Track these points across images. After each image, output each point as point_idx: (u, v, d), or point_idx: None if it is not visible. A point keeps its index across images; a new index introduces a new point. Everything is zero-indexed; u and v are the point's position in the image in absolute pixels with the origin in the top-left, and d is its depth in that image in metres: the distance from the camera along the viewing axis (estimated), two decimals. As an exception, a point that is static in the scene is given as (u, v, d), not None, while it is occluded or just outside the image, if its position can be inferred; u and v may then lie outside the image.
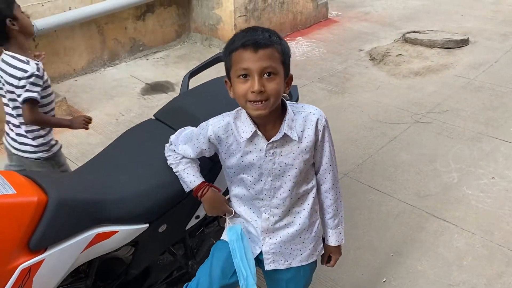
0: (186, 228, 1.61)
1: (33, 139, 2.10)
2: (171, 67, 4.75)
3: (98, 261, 1.43)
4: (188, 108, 1.70)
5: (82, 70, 4.45)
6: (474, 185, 2.97)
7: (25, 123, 2.05)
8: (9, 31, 1.91)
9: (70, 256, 1.23)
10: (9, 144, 2.15)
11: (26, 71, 1.94)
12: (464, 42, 5.23)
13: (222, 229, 1.60)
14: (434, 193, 2.90)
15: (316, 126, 1.39)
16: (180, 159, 1.51)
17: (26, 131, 2.09)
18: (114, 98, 4.09)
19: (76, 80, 4.38)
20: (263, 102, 1.27)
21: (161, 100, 4.05)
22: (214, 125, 1.42)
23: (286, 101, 1.40)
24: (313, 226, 1.51)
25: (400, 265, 2.39)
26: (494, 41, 5.37)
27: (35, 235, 1.16)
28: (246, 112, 1.36)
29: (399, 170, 3.12)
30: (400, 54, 4.97)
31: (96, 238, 1.29)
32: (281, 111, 1.38)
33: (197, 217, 1.61)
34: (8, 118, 2.14)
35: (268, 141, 1.36)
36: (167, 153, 1.55)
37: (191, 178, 1.48)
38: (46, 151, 2.16)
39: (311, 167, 1.47)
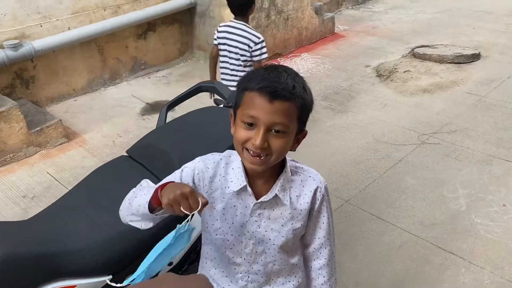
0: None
1: None
2: (172, 85, 4.67)
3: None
4: (161, 145, 1.58)
5: (81, 90, 4.40)
6: (483, 213, 2.79)
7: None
8: (248, 11, 2.92)
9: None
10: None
11: (259, 38, 2.89)
12: (475, 57, 5.05)
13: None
14: (440, 222, 2.73)
15: (314, 194, 1.21)
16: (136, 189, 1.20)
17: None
18: (112, 119, 4.01)
19: (75, 100, 4.33)
20: (263, 157, 1.09)
21: (160, 120, 3.96)
22: (201, 162, 1.22)
23: (287, 157, 1.21)
24: None
25: (401, 304, 2.23)
26: (507, 56, 5.18)
27: (-26, 298, 1.05)
28: (241, 160, 1.18)
29: (404, 196, 2.95)
30: (408, 70, 4.81)
31: (50, 295, 1.18)
32: (279, 167, 1.19)
33: (170, 263, 1.48)
34: (227, 67, 3.00)
35: (257, 199, 1.18)
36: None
37: (145, 193, 1.14)
38: None
39: (301, 239, 1.28)
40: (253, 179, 1.19)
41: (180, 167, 1.45)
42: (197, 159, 1.25)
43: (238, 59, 2.95)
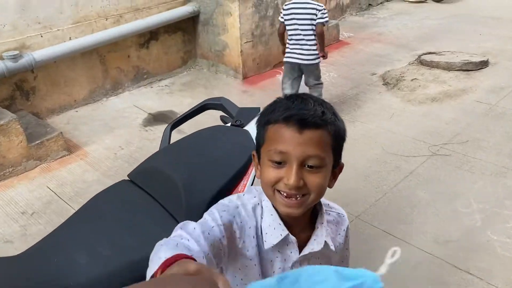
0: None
1: (315, 50, 3.63)
2: (175, 95, 4.59)
3: None
4: (165, 169, 1.48)
5: (83, 101, 4.31)
6: (500, 229, 2.68)
7: (319, 35, 3.60)
8: None
9: None
10: (300, 58, 3.63)
11: (322, 5, 3.58)
12: (483, 64, 4.95)
13: None
14: (455, 239, 2.62)
15: (346, 232, 1.11)
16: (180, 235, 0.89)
17: (314, 45, 3.63)
18: (114, 130, 3.93)
19: (76, 111, 4.24)
20: (299, 197, 0.94)
21: (162, 132, 3.86)
22: (242, 208, 1.01)
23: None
24: None
25: (417, 328, 2.12)
26: (516, 62, 5.08)
27: None
28: (272, 205, 1.01)
29: (416, 211, 2.85)
30: (416, 78, 4.72)
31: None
32: (312, 208, 1.04)
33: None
34: (299, 41, 3.61)
35: (299, 249, 1.01)
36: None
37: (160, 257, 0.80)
38: (319, 57, 3.70)
39: None
40: (290, 225, 1.01)
41: (185, 193, 1.35)
42: (235, 201, 1.02)
43: (307, 25, 3.56)
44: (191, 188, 1.36)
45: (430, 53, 5.30)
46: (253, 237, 1.01)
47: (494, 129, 3.75)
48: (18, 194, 3.11)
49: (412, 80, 4.69)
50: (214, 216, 0.96)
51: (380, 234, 2.67)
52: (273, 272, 1.03)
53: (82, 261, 1.23)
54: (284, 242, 1.01)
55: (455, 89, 4.49)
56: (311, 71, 3.73)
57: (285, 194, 0.94)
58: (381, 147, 3.55)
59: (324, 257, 1.06)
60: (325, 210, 1.09)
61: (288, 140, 0.92)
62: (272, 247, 1.00)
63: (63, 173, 3.34)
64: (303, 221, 1.02)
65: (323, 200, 1.11)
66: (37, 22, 3.79)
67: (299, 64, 3.66)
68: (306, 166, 0.93)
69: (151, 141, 3.75)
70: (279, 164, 0.94)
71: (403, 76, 4.77)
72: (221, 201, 1.03)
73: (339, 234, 1.10)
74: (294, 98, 0.97)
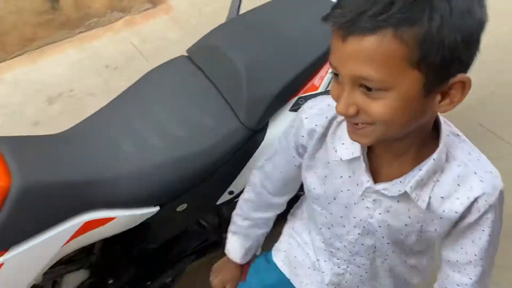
0: (217, 203, 1.26)
1: None
2: None
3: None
4: (227, 50, 1.20)
5: None
6: None
7: None
8: None
9: (43, 255, 0.97)
10: None
11: None
12: None
13: None
14: None
15: (474, 203, 0.75)
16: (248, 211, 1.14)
17: None
18: (200, -19, 3.60)
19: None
20: (361, 125, 0.69)
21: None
22: (310, 118, 0.88)
23: (447, 127, 0.77)
24: None
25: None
26: None
27: (-12, 234, 0.89)
28: None
29: None
30: None
31: (84, 227, 1.01)
32: (430, 137, 0.76)
33: (231, 192, 1.23)
34: None
35: (375, 182, 0.80)
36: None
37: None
38: None
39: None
40: (374, 151, 0.80)
41: (247, 83, 1.14)
42: (303, 111, 0.90)
43: None
44: (256, 78, 1.11)
45: None
46: (325, 140, 0.87)
47: None
48: (102, 47, 3.08)
49: None
50: (289, 145, 0.95)
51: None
52: (341, 191, 0.85)
53: (126, 147, 1.09)
54: (360, 164, 0.81)
55: None
56: None
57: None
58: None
59: (405, 202, 0.79)
60: (457, 156, 0.76)
61: (335, 50, 0.65)
62: (344, 161, 0.83)
63: (146, 28, 3.21)
64: (400, 149, 0.76)
65: (465, 145, 0.77)
66: None
67: None
68: (362, 87, 0.64)
69: (237, -2, 3.41)
70: (337, 76, 0.68)
71: None
72: (304, 109, 0.91)
73: (458, 198, 0.76)
74: None
